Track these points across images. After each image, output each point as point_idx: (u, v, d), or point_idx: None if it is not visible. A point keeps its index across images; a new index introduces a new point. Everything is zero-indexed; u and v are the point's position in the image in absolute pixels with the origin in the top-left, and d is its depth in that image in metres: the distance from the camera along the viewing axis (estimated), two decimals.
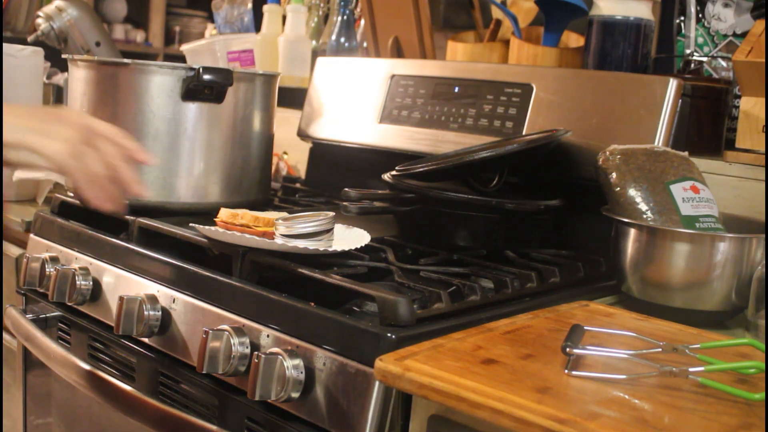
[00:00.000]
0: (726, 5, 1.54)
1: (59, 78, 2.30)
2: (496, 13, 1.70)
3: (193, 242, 1.16)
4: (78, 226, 1.34)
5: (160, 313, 1.12)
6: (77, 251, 1.31)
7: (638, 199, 1.08)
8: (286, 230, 1.07)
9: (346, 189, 1.20)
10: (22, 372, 1.46)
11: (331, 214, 1.10)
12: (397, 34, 1.80)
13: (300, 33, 1.97)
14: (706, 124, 1.35)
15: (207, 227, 1.11)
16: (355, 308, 1.01)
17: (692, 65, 1.51)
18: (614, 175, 1.11)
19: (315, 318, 0.94)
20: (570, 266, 1.17)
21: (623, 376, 0.78)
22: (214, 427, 0.99)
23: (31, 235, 1.44)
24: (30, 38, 2.15)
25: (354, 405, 0.88)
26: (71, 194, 1.41)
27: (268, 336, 0.98)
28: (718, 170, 1.26)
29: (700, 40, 1.57)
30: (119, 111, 1.32)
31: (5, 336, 1.57)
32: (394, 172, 1.30)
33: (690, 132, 1.30)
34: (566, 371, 0.78)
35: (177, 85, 1.30)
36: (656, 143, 1.22)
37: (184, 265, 1.12)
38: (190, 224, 1.17)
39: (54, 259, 1.34)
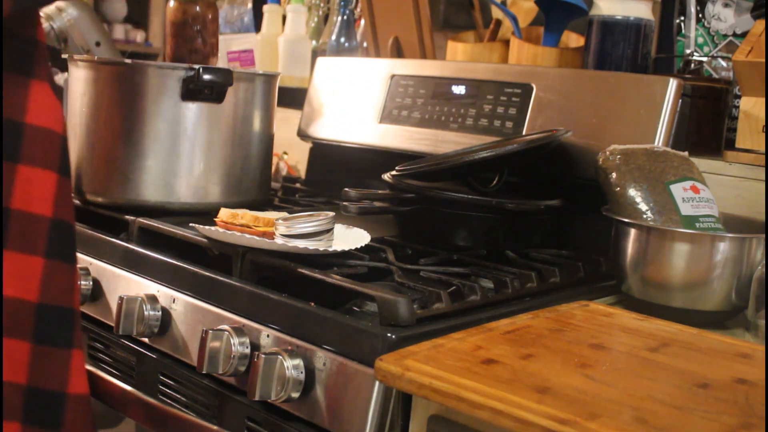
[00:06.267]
0: (726, 5, 1.54)
1: (59, 78, 2.29)
2: (496, 13, 1.70)
3: (193, 242, 1.16)
4: (78, 226, 1.34)
5: (160, 313, 1.12)
6: (77, 251, 1.31)
7: (638, 199, 1.08)
8: (286, 230, 1.07)
9: (346, 189, 1.19)
10: None
11: (331, 214, 1.10)
12: (397, 34, 1.80)
13: (300, 33, 1.97)
14: (706, 124, 1.35)
15: (207, 227, 1.11)
16: (355, 308, 1.01)
17: (692, 65, 1.51)
18: (614, 175, 1.11)
19: (315, 318, 0.94)
20: (570, 266, 1.17)
21: None
22: (214, 427, 0.99)
23: None
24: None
25: (354, 405, 0.88)
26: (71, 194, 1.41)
27: (268, 336, 0.98)
28: (718, 170, 1.26)
29: (700, 40, 1.57)
30: (119, 111, 1.32)
31: None
32: (394, 172, 1.30)
33: (690, 132, 1.30)
34: None
35: (177, 85, 1.30)
36: (656, 143, 1.22)
37: (184, 265, 1.12)
38: (190, 224, 1.17)
39: None
